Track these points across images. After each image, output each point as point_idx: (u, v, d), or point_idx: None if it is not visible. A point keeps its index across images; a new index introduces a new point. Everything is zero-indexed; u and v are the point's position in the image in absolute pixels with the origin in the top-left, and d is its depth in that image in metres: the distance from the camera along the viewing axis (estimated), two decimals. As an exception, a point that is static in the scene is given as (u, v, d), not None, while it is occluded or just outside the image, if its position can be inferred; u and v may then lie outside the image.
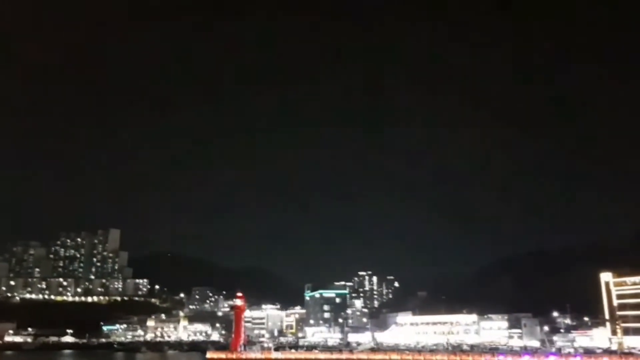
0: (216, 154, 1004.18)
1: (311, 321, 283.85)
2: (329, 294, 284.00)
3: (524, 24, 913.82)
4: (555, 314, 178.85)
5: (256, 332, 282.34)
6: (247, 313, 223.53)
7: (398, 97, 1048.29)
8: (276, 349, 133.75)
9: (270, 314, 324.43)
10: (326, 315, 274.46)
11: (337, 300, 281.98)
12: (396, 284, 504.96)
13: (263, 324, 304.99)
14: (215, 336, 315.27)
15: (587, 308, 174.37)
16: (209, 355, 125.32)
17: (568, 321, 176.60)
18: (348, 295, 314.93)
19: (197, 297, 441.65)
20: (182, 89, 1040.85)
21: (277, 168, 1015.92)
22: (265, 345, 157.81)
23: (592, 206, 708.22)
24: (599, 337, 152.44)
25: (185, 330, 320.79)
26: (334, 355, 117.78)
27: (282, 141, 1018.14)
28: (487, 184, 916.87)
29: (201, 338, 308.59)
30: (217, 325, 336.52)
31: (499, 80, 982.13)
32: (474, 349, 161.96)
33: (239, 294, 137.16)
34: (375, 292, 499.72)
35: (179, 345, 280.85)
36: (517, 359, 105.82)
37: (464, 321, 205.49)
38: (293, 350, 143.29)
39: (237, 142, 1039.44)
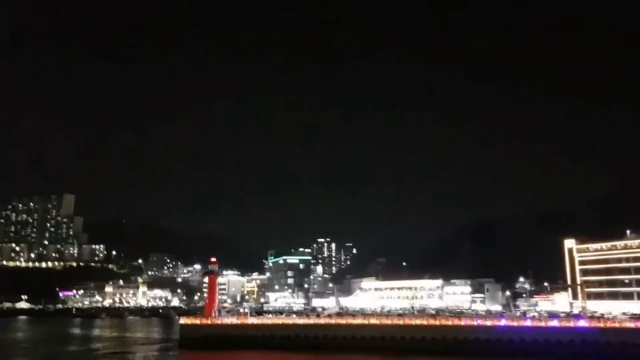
0: (176, 114, 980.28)
1: (276, 287, 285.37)
2: (292, 260, 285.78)
3: None
4: (521, 279, 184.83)
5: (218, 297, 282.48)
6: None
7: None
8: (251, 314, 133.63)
9: (231, 279, 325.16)
10: (290, 281, 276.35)
11: (301, 266, 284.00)
12: (354, 251, 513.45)
13: (224, 290, 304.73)
14: (175, 302, 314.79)
15: (546, 274, 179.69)
16: (182, 321, 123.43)
17: (527, 286, 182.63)
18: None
19: (154, 263, 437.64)
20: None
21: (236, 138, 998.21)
22: (241, 310, 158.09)
23: (551, 172, 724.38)
24: (560, 301, 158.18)
25: (144, 296, 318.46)
26: (311, 320, 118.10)
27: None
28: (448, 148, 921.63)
29: (161, 304, 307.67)
30: (178, 291, 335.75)
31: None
32: (439, 313, 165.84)
33: (213, 259, 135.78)
34: (334, 259, 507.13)
35: (139, 311, 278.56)
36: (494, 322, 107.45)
37: (428, 286, 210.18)
38: (270, 316, 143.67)
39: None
